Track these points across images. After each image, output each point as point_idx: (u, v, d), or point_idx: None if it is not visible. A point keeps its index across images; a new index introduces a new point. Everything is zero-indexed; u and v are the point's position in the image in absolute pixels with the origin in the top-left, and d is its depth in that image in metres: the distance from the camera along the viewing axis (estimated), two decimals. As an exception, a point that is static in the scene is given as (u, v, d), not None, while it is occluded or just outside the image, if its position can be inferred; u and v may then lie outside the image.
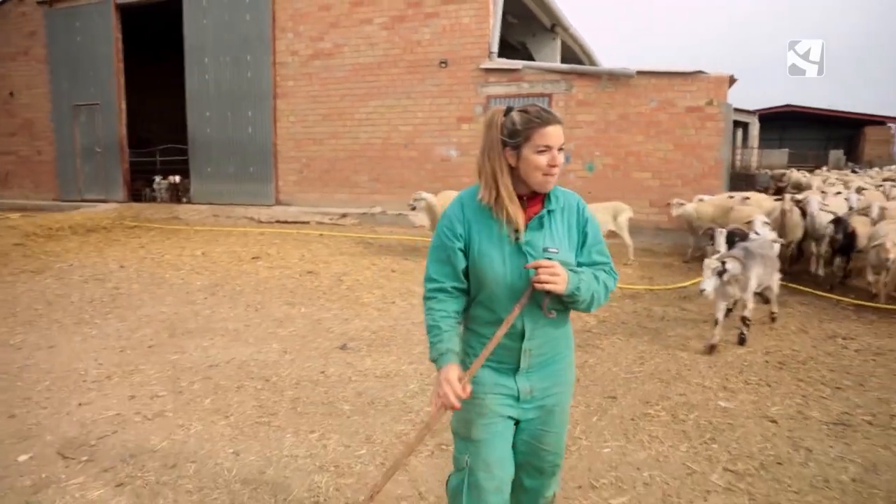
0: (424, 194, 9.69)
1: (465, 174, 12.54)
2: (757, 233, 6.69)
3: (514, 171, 2.12)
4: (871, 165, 30.47)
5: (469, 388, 2.10)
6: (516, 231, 2.11)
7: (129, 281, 8.33)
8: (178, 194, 16.71)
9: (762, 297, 6.38)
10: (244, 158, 14.88)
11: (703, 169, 10.97)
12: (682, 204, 9.63)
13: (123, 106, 16.39)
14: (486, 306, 2.17)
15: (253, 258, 9.85)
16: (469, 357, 2.22)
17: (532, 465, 2.33)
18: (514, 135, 2.09)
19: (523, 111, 2.10)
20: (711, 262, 5.34)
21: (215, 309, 6.97)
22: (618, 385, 4.83)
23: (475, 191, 2.18)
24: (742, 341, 5.78)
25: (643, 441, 3.92)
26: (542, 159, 2.07)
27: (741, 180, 22.70)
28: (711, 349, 5.52)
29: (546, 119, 2.08)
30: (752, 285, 5.62)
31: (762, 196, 9.96)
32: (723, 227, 7.63)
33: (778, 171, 22.87)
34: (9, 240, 11.66)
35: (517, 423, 2.26)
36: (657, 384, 4.86)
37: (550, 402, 2.25)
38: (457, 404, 2.05)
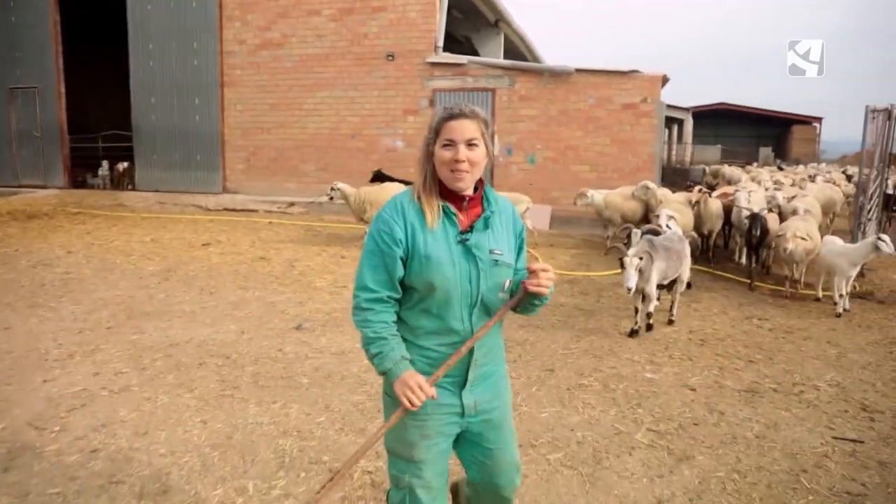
0: (339, 185, 10.06)
1: (411, 164, 12.79)
2: (668, 227, 7.14)
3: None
4: (797, 162, 32.22)
5: (433, 390, 2.04)
6: (462, 232, 2.05)
7: (79, 266, 8.35)
8: (125, 181, 16.43)
9: (668, 289, 6.38)
10: (191, 146, 14.81)
11: (638, 163, 11.63)
12: (584, 194, 9.91)
13: (63, 90, 16.04)
14: (433, 314, 2.06)
15: (204, 245, 9.95)
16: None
17: (493, 483, 2.28)
18: (431, 131, 2.08)
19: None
20: (634, 260, 5.48)
21: (170, 293, 7.12)
22: (555, 360, 5.28)
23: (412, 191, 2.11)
24: (670, 322, 6.34)
25: (577, 407, 4.37)
26: (447, 154, 2.00)
27: (676, 175, 23.77)
28: (633, 334, 5.90)
29: (452, 113, 2.04)
30: (654, 278, 5.77)
31: (666, 190, 10.29)
32: (631, 221, 8.17)
33: (714, 167, 23.98)
34: (-56, 226, 11.39)
35: (461, 433, 2.21)
36: (591, 359, 5.32)
37: (496, 415, 2.20)
38: (417, 405, 2.00)
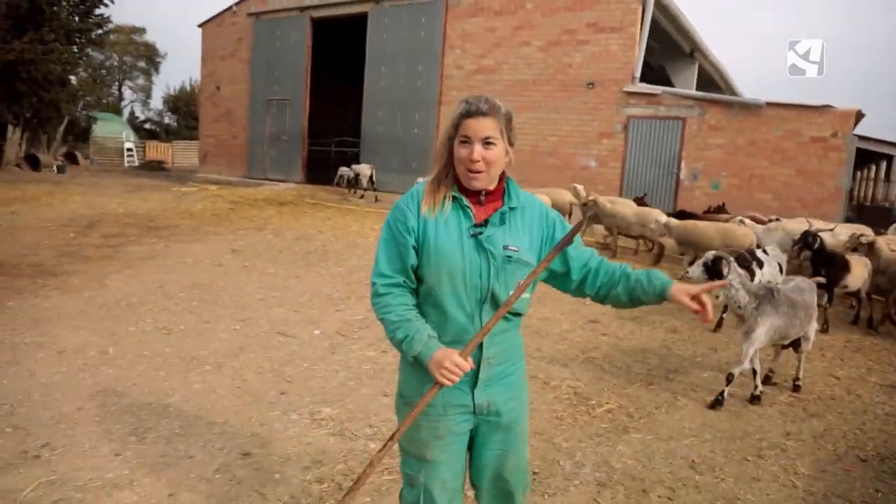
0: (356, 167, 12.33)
1: (602, 183, 14.19)
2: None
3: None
4: None
5: (470, 362, 1.95)
6: (475, 226, 1.99)
7: (331, 242, 10.67)
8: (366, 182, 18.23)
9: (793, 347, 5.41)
10: (407, 154, 17.29)
11: (823, 194, 12.02)
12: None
13: (308, 103, 19.33)
14: (441, 308, 2.00)
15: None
16: (410, 372, 2.08)
17: (498, 489, 2.20)
18: (451, 125, 2.01)
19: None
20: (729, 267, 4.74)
21: (404, 267, 9.08)
22: (730, 356, 6.38)
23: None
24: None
25: (743, 383, 5.51)
26: (463, 151, 1.95)
27: (876, 213, 22.61)
28: (717, 404, 4.76)
29: (468, 110, 1.95)
30: (761, 336, 4.80)
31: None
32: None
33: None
34: (223, 205, 14.58)
35: (474, 434, 2.15)
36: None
37: (509, 417, 2.11)
38: (456, 381, 1.93)
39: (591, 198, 10.78)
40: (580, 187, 11.73)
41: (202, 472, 3.41)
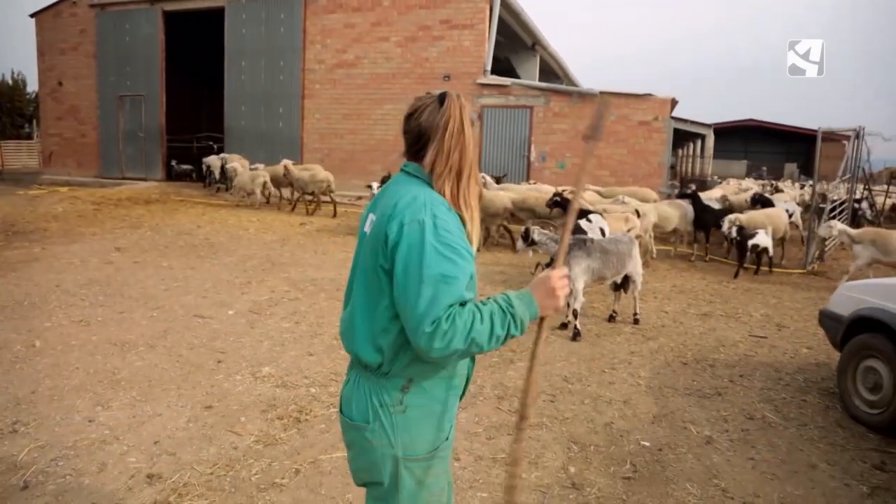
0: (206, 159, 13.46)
1: (462, 167, 15.39)
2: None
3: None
4: (824, 178, 33.55)
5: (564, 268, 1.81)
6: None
7: (214, 235, 11.00)
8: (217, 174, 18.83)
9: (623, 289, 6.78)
10: (274, 147, 17.54)
11: (649, 169, 14.03)
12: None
13: (164, 98, 18.96)
14: None
15: (301, 224, 12.58)
16: (444, 420, 1.83)
17: None
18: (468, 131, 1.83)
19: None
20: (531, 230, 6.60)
21: (293, 253, 9.70)
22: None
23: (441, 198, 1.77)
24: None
25: (589, 318, 6.81)
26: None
27: (698, 186, 25.90)
28: (563, 327, 6.33)
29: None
30: (580, 275, 6.04)
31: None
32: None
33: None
34: (85, 206, 14.18)
35: None
36: (601, 296, 7.76)
37: None
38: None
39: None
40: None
41: (175, 424, 4.04)
